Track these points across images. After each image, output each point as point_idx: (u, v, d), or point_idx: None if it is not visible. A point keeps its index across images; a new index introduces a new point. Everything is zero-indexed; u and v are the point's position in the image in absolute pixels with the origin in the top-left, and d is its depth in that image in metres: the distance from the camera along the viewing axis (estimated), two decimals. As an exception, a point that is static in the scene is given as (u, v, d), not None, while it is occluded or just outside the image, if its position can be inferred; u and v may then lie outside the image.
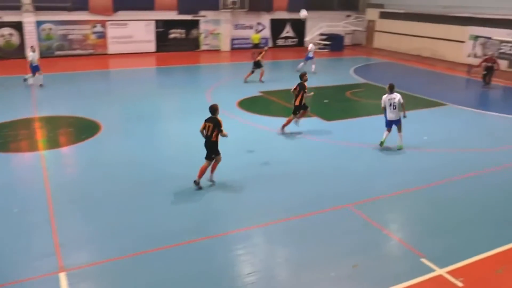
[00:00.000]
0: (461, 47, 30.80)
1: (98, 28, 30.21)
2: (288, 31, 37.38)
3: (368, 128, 15.85)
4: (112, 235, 8.75)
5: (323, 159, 12.98)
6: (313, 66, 25.69)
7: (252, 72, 22.96)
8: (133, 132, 15.02)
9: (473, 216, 9.91)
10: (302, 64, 25.79)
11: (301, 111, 14.86)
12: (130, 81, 23.38)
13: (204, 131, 10.64)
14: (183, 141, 14.37)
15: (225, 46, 34.63)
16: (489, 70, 23.25)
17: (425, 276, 7.60)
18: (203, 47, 34.03)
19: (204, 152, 10.69)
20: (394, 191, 10.87)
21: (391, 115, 13.39)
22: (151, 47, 32.15)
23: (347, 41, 38.98)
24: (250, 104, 18.68)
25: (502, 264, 8.12)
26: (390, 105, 13.37)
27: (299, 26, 37.03)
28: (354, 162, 12.82)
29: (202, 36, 33.88)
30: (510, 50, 26.95)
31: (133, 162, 12.36)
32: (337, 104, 19.76)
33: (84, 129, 15.18)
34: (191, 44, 33.59)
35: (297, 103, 14.67)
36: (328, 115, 17.43)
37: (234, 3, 33.37)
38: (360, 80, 24.72)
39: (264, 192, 10.66)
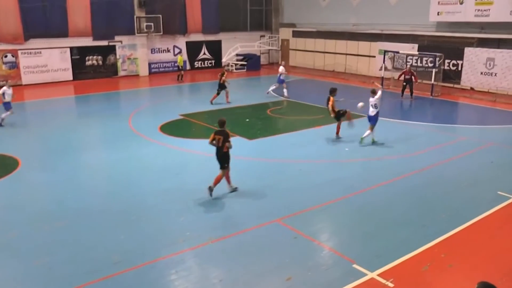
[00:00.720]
0: (372, 61, 32.68)
1: (9, 57, 29.01)
2: (204, 53, 37.75)
3: (289, 144, 16.39)
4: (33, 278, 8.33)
5: (248, 177, 13.14)
6: (285, 90, 25.35)
7: (218, 93, 23.12)
8: (54, 166, 14.20)
9: (396, 219, 10.54)
10: (274, 87, 25.77)
11: (343, 116, 16.71)
12: (48, 112, 22.47)
13: (214, 142, 11.52)
14: (108, 171, 14.08)
15: (143, 70, 34.43)
16: (408, 82, 24.84)
17: (358, 281, 8.00)
18: (121, 73, 33.62)
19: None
20: (320, 203, 11.27)
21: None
22: (68, 75, 31.32)
23: (263, 60, 40.14)
24: (172, 128, 18.72)
25: (427, 262, 8.71)
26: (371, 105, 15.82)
27: (215, 48, 37.63)
28: (278, 178, 13.15)
29: (119, 62, 33.47)
30: (415, 62, 28.85)
31: (53, 200, 11.76)
32: (259, 122, 20.19)
33: (0, 166, 14.35)
34: (109, 71, 33.10)
35: (333, 113, 16.62)
36: (250, 133, 17.82)
37: (149, 27, 33.35)
38: (279, 98, 25.41)
39: (192, 215, 10.68)
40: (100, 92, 27.67)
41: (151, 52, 34.90)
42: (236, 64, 37.04)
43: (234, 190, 12.00)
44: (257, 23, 41.00)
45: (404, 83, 25.06)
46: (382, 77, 28.63)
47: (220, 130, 11.65)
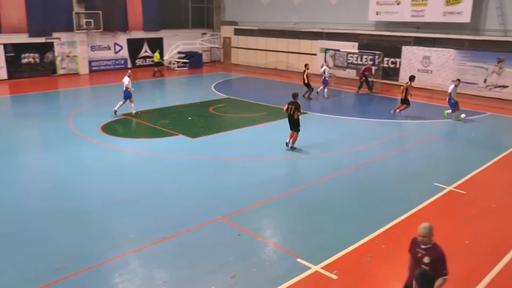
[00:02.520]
0: (314, 59, 33.19)
1: None
2: (146, 51, 37.14)
3: (232, 142, 16.44)
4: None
5: (191, 176, 13.09)
6: (325, 90, 25.24)
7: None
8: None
9: (338, 213, 10.77)
10: (325, 90, 25.24)
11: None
12: (-20, 113, 21.55)
13: (288, 110, 15.05)
14: (48, 174, 13.56)
15: (84, 69, 33.45)
16: (366, 79, 26.09)
17: (302, 274, 8.13)
18: (60, 71, 32.50)
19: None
20: (264, 199, 11.36)
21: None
22: (2, 74, 29.94)
23: (205, 58, 39.98)
24: (114, 128, 18.35)
25: (369, 253, 8.97)
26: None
27: (157, 45, 37.13)
28: (221, 176, 13.14)
29: (58, 60, 32.35)
30: (356, 60, 29.53)
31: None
32: (201, 120, 20.06)
33: None
34: (47, 69, 31.91)
35: (403, 96, 20.15)
36: (193, 132, 17.72)
37: (88, 23, 32.49)
38: (221, 95, 25.41)
39: (135, 216, 10.47)
40: (38, 92, 26.64)
41: (92, 50, 33.97)
42: (178, 62, 36.71)
43: (294, 149, 15.23)
44: (198, 20, 40.83)
45: (362, 79, 26.09)
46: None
47: (292, 101, 15.06)
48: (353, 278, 8.16)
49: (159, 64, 33.16)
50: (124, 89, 20.01)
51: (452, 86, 19.64)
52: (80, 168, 13.77)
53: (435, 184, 12.54)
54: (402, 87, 20.59)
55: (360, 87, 26.31)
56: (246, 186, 12.34)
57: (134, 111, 20.31)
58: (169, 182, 12.63)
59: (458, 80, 20.20)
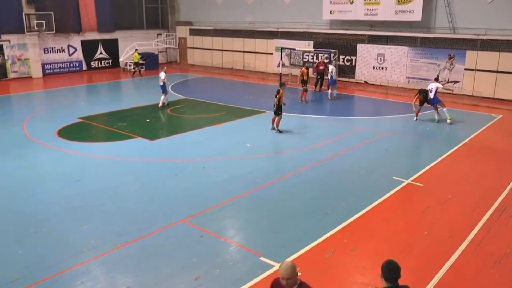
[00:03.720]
0: (270, 58, 33.37)
1: None
2: (101, 52, 36.49)
3: (191, 142, 16.36)
4: None
5: (151, 178, 12.96)
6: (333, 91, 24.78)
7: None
8: None
9: (299, 210, 10.86)
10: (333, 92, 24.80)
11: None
12: None
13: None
14: (2, 181, 12.93)
15: (36, 72, 32.50)
16: (320, 75, 26.34)
17: (266, 273, 8.15)
18: (11, 75, 31.49)
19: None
20: (225, 199, 11.34)
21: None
22: None
23: (161, 59, 39.62)
24: (70, 132, 17.90)
25: (331, 248, 9.10)
26: None
27: (112, 47, 36.56)
28: (181, 177, 13.06)
29: (8, 63, 31.33)
30: (312, 59, 29.86)
31: None
32: (160, 122, 19.93)
33: None
34: (-4, 73, 30.90)
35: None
36: (151, 134, 17.54)
37: (40, 25, 31.62)
38: (179, 96, 25.22)
39: (95, 222, 10.24)
40: (-13, 97, 25.78)
41: (44, 52, 33.07)
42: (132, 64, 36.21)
43: (279, 132, 16.91)
44: (153, 21, 40.41)
45: (318, 76, 26.37)
46: (280, 74, 29.33)
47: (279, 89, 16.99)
48: (317, 273, 8.24)
49: (138, 64, 32.90)
50: (162, 84, 21.89)
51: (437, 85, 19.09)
52: (36, 174, 13.38)
53: (394, 178, 12.83)
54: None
55: (316, 84, 26.55)
56: (207, 186, 12.28)
57: (161, 104, 22.02)
58: (129, 185, 12.44)
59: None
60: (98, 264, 8.59)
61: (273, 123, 17.45)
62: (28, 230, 9.91)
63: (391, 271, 5.07)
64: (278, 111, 16.96)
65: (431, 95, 18.73)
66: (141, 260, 8.73)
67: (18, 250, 9.10)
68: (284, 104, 17.39)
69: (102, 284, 8.00)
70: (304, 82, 23.38)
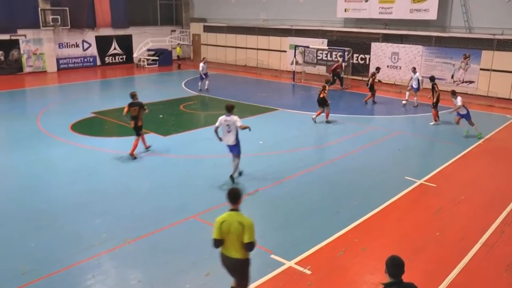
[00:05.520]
0: (284, 56, 33.30)
1: None
2: (115, 48, 36.67)
3: (203, 139, 16.31)
4: None
5: (163, 174, 13.01)
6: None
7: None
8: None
9: (310, 208, 10.84)
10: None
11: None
12: None
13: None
14: (16, 175, 13.16)
15: (51, 67, 32.76)
16: (339, 76, 26.47)
17: (276, 270, 8.16)
18: (26, 69, 31.77)
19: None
20: (236, 197, 11.35)
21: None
22: (-36, 72, 29.10)
23: (175, 55, 39.54)
24: (84, 127, 18.04)
25: (342, 247, 9.06)
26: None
27: (126, 43, 36.71)
28: (193, 174, 13.07)
29: (24, 57, 31.61)
30: (325, 57, 29.75)
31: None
32: (172, 118, 19.95)
33: None
34: (12, 67, 31.13)
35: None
36: (164, 130, 17.59)
37: (55, 20, 31.83)
38: (192, 93, 25.28)
39: (107, 217, 10.31)
40: (3, 90, 25.95)
41: (59, 47, 33.33)
42: (147, 60, 36.36)
43: (328, 122, 18.64)
44: (167, 17, 40.47)
45: (335, 77, 26.37)
46: (294, 71, 29.29)
47: (323, 85, 18.58)
48: (327, 272, 8.23)
49: (179, 58, 36.33)
50: (205, 72, 25.10)
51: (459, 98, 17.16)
52: (49, 168, 13.50)
53: (406, 177, 12.75)
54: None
55: (331, 83, 26.46)
56: (218, 183, 12.27)
57: (206, 87, 25.49)
58: (141, 181, 12.51)
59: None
60: (109, 258, 8.63)
61: (317, 115, 18.69)
62: (40, 223, 9.99)
63: (395, 266, 5.10)
64: (324, 104, 18.40)
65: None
66: (152, 255, 8.76)
67: (30, 244, 9.17)
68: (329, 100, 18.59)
69: (113, 278, 8.05)
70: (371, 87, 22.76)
